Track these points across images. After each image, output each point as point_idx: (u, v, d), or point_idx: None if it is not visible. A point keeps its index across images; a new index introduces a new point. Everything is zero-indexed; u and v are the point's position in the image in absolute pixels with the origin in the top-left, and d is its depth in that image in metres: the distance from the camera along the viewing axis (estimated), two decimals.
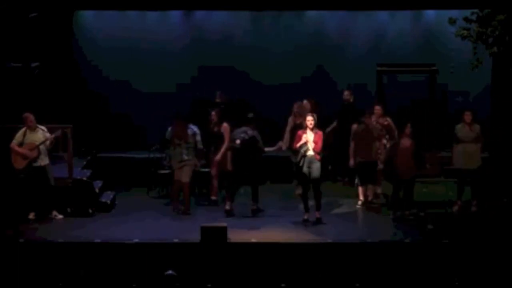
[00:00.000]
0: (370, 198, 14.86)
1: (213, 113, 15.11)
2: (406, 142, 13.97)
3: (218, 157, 14.78)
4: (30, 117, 14.00)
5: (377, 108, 15.14)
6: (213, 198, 15.10)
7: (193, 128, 14.68)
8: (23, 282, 11.33)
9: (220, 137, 14.88)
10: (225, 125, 14.92)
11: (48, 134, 14.06)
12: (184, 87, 18.10)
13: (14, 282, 11.30)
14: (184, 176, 14.39)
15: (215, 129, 14.97)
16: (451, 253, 12.06)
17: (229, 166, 14.63)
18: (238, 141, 14.41)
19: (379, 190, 15.06)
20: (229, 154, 14.66)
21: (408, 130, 14.00)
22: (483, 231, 12.87)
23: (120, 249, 12.30)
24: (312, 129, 13.78)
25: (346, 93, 16.67)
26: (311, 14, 18.53)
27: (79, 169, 15.37)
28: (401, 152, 13.88)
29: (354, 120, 15.11)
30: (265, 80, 17.96)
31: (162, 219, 14.11)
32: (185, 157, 14.47)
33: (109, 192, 15.17)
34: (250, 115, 14.59)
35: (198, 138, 14.61)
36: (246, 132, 14.45)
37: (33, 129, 14.00)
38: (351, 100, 16.59)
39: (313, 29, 18.57)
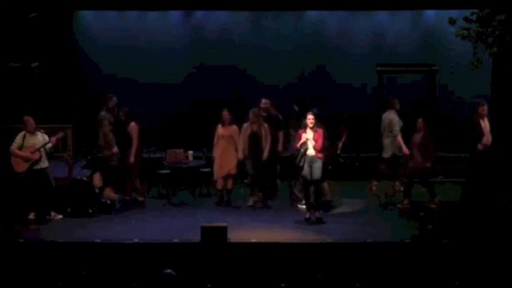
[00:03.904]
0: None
1: (120, 113, 14.90)
2: (416, 136, 14.41)
3: (131, 159, 14.63)
4: (30, 120, 13.97)
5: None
6: (141, 199, 15.02)
7: None
8: (23, 282, 11.31)
9: (127, 137, 14.73)
10: (132, 124, 14.78)
11: (47, 137, 14.03)
12: (184, 86, 18.10)
13: (14, 282, 11.28)
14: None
15: (123, 129, 14.83)
16: (451, 253, 12.06)
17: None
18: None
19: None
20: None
21: (420, 124, 14.40)
22: (483, 231, 12.86)
23: (120, 249, 12.30)
24: (312, 128, 13.77)
25: (263, 101, 15.24)
26: (311, 14, 18.55)
27: (79, 169, 15.38)
28: (412, 146, 14.36)
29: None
30: (265, 80, 17.96)
31: (162, 219, 14.10)
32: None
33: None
34: None
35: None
36: None
37: (32, 132, 13.98)
38: (270, 108, 15.26)
39: (313, 29, 18.60)
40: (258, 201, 14.82)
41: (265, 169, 14.78)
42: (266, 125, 14.77)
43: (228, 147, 14.81)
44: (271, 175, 15.09)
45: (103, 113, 15.00)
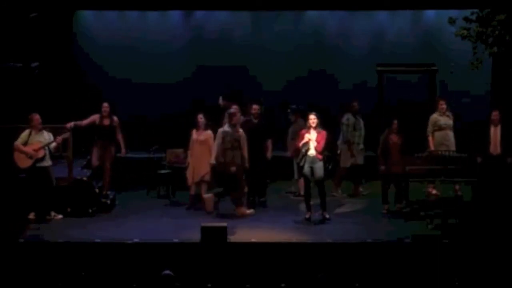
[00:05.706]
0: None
1: (105, 104, 14.97)
2: (394, 137, 14.28)
3: (124, 150, 15.01)
4: (37, 117, 13.99)
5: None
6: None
7: None
8: (23, 282, 11.32)
9: (110, 130, 14.90)
10: (115, 118, 14.84)
11: (52, 136, 14.04)
12: (184, 87, 18.11)
13: (14, 282, 11.29)
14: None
15: (105, 122, 14.91)
16: (451, 253, 12.06)
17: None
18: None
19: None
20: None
21: (394, 125, 14.29)
22: (483, 231, 12.86)
23: (120, 249, 12.30)
24: (315, 128, 13.77)
25: (254, 107, 14.90)
26: (311, 14, 18.56)
27: (79, 169, 15.39)
28: (391, 147, 14.19)
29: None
30: (265, 80, 17.97)
31: (162, 219, 14.10)
32: None
33: (109, 192, 15.17)
34: None
35: None
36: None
37: (39, 129, 13.99)
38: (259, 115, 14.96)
39: (313, 29, 18.60)
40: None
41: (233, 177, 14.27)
42: (241, 131, 14.23)
43: (202, 152, 14.40)
44: (258, 183, 14.87)
45: (226, 128, 14.17)
